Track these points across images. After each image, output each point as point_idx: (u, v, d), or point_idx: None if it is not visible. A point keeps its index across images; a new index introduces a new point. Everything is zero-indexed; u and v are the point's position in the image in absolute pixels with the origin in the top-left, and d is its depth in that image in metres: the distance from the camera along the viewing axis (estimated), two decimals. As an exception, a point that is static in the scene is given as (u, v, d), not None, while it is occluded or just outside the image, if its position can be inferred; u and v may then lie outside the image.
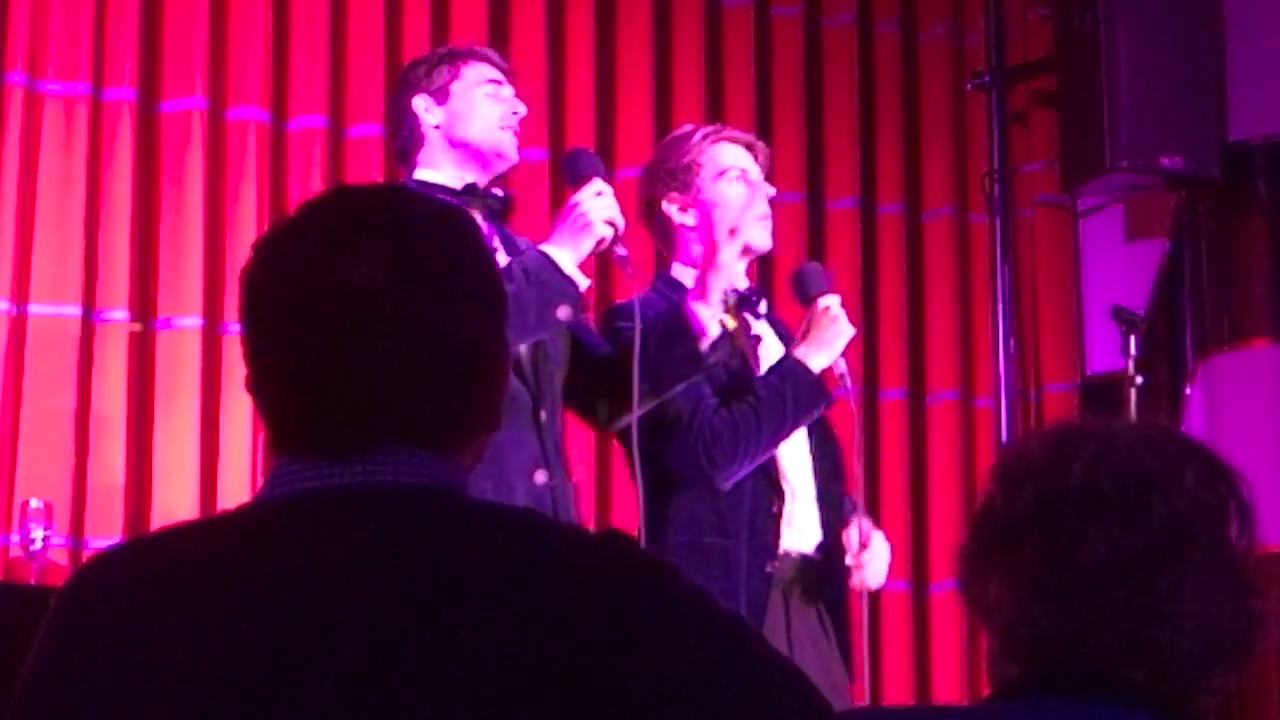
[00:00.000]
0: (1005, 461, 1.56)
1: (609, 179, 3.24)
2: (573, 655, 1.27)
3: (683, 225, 3.43)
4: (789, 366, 3.29)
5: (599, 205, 3.09)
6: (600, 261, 4.85)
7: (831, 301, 3.35)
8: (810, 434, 3.41)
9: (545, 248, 3.09)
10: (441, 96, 3.25)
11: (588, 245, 3.08)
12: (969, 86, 5.34)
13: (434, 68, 3.29)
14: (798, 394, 3.26)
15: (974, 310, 5.30)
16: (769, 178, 3.48)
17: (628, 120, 5.00)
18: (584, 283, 3.10)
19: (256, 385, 1.41)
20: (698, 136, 3.46)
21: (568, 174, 3.23)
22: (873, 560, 3.39)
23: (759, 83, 5.18)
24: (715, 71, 5.14)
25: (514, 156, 3.29)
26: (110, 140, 4.43)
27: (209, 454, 4.39)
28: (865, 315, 5.18)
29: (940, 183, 5.35)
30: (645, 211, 3.51)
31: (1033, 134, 5.38)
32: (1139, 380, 4.31)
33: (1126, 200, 5.12)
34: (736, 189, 3.39)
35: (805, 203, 5.16)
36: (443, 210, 1.48)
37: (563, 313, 3.06)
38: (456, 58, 3.31)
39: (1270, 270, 4.83)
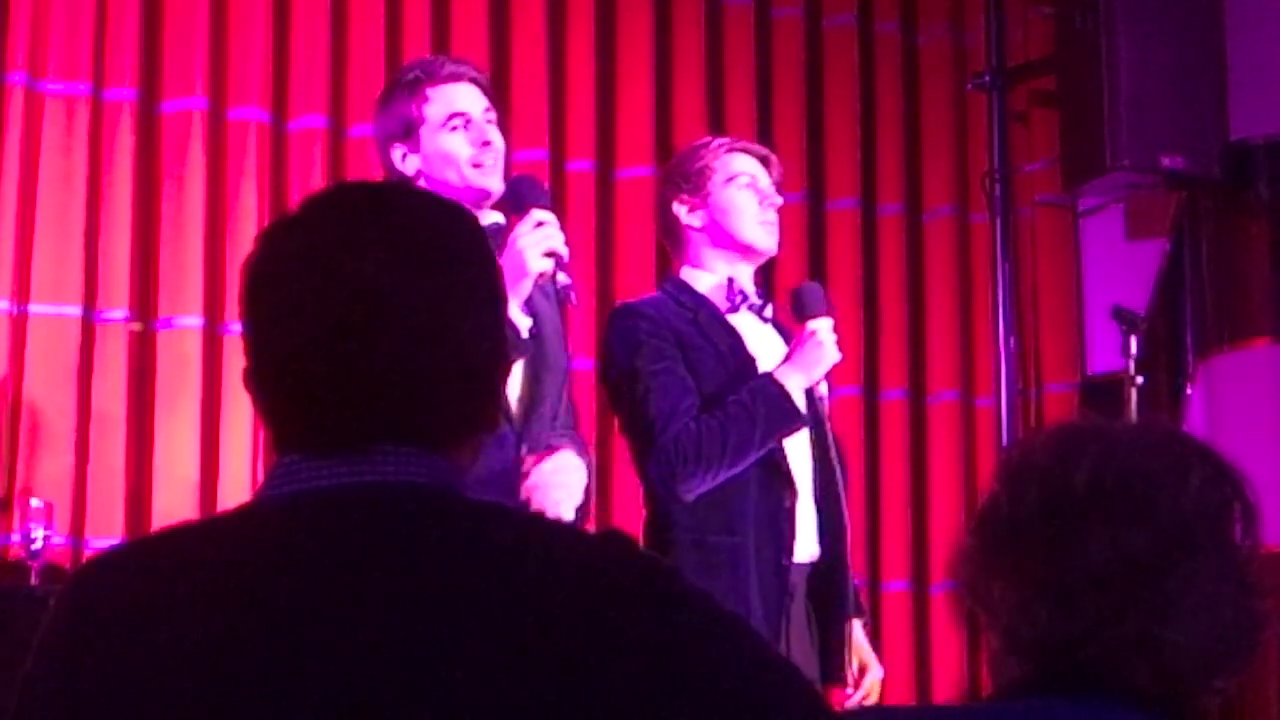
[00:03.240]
0: (1009, 461, 1.56)
1: (557, 198, 3.14)
2: (573, 655, 1.27)
3: (689, 226, 3.49)
4: (763, 385, 3.31)
5: (535, 240, 3.02)
6: (601, 258, 4.88)
7: (821, 325, 3.35)
8: (810, 437, 3.42)
9: None
10: (413, 144, 3.18)
11: (526, 286, 3.02)
12: (969, 86, 5.34)
13: (397, 109, 3.20)
14: (768, 415, 3.27)
15: (974, 310, 5.30)
16: (780, 191, 3.54)
17: (628, 120, 5.00)
18: (525, 324, 3.02)
19: (257, 379, 1.41)
20: (715, 144, 3.55)
21: (509, 205, 3.16)
22: (869, 691, 3.47)
23: (759, 83, 5.18)
24: (715, 71, 5.14)
25: (496, 189, 3.18)
26: (110, 140, 4.43)
27: (209, 454, 4.39)
28: (865, 315, 5.19)
29: (940, 183, 5.35)
30: (657, 213, 3.59)
31: (1033, 134, 5.38)
32: (1139, 380, 4.30)
33: (1127, 200, 5.12)
34: (745, 195, 3.46)
35: (805, 203, 5.16)
36: (446, 207, 1.48)
37: None
38: (415, 90, 3.19)
39: (1270, 270, 4.82)
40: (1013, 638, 1.52)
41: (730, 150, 3.52)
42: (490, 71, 4.81)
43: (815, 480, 3.41)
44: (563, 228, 3.07)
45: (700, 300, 3.43)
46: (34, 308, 4.32)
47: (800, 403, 3.31)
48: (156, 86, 4.54)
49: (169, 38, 4.56)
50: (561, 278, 3.06)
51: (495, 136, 3.19)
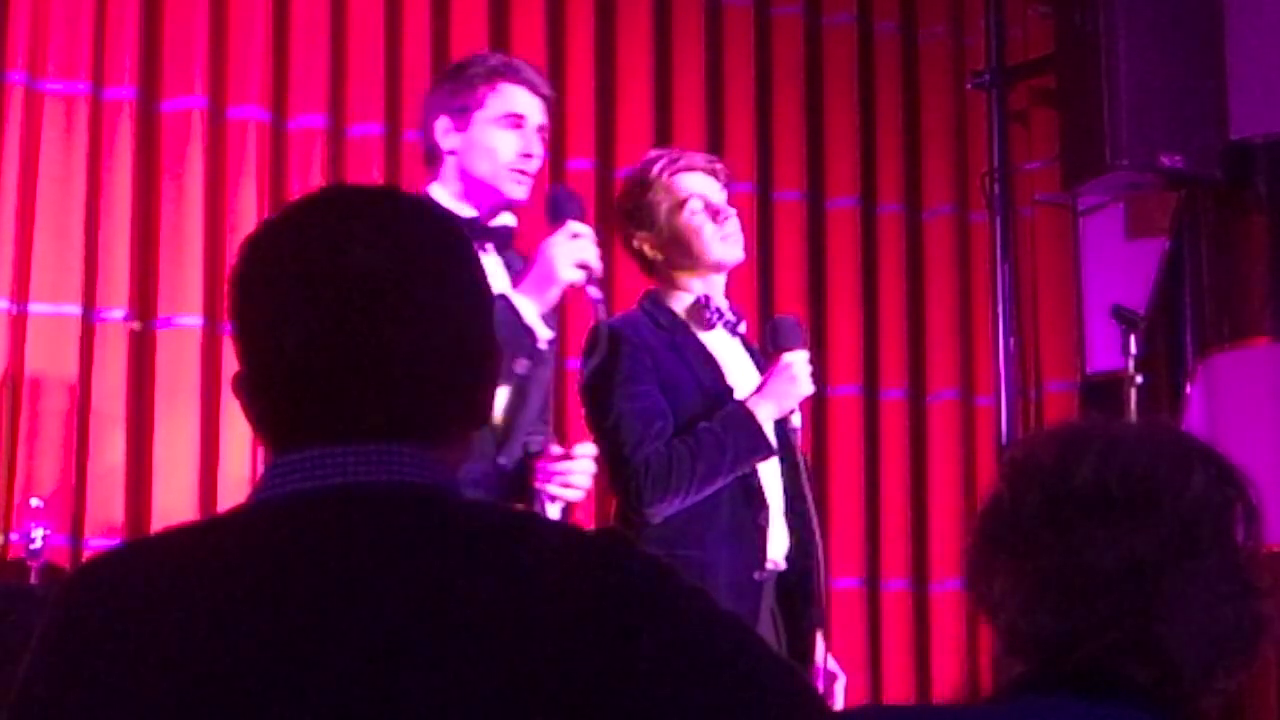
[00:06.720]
0: (1012, 460, 1.56)
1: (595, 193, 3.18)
2: (572, 655, 1.27)
3: (656, 259, 3.51)
4: (734, 413, 3.36)
5: (568, 251, 3.05)
6: (601, 257, 4.87)
7: (795, 358, 3.39)
8: (781, 464, 3.46)
9: (512, 294, 3.05)
10: (462, 123, 3.21)
11: (554, 293, 3.05)
12: (969, 85, 5.34)
13: (460, 88, 3.23)
14: (738, 443, 3.33)
15: (974, 309, 5.30)
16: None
17: (628, 120, 5.00)
18: (545, 335, 3.05)
19: (250, 381, 1.41)
20: (655, 170, 3.51)
21: (548, 214, 3.18)
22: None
23: (758, 81, 5.18)
24: (715, 70, 5.14)
25: (518, 197, 3.23)
26: (110, 139, 4.43)
27: (209, 454, 4.39)
28: (865, 314, 5.19)
29: (940, 182, 5.35)
30: (624, 244, 3.58)
31: (1033, 133, 5.39)
32: (1139, 379, 4.31)
33: (1127, 199, 5.12)
34: (698, 219, 3.45)
35: (805, 202, 5.16)
36: (434, 210, 1.49)
37: (519, 365, 3.03)
38: (488, 78, 3.23)
39: (1270, 269, 4.82)
40: (1014, 636, 1.52)
41: (673, 173, 3.49)
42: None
43: (786, 501, 3.46)
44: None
45: (677, 322, 3.47)
46: (34, 307, 4.32)
47: (770, 432, 3.35)
48: (156, 86, 4.54)
49: (169, 37, 4.56)
50: (593, 291, 3.08)
51: (538, 151, 3.24)
